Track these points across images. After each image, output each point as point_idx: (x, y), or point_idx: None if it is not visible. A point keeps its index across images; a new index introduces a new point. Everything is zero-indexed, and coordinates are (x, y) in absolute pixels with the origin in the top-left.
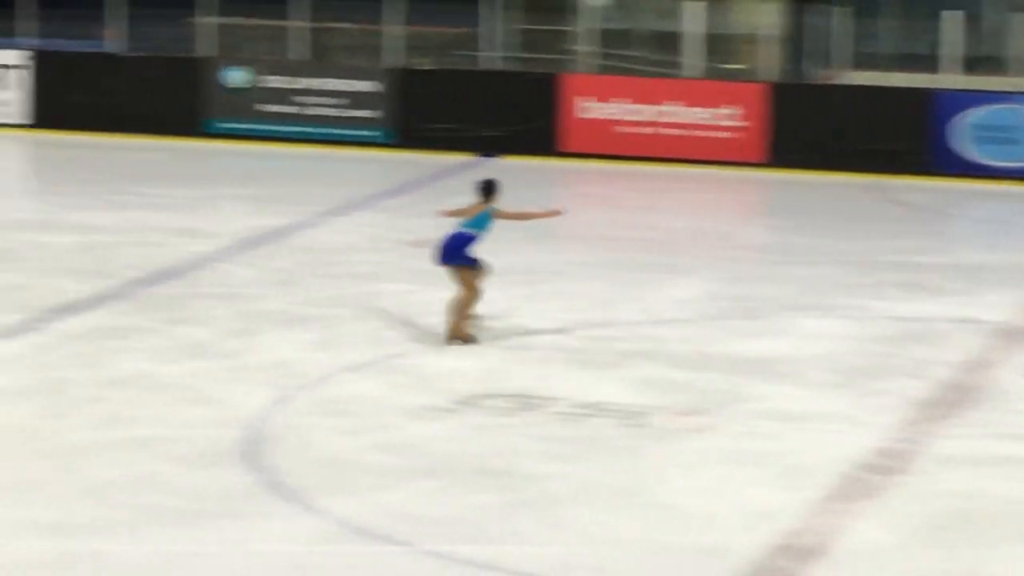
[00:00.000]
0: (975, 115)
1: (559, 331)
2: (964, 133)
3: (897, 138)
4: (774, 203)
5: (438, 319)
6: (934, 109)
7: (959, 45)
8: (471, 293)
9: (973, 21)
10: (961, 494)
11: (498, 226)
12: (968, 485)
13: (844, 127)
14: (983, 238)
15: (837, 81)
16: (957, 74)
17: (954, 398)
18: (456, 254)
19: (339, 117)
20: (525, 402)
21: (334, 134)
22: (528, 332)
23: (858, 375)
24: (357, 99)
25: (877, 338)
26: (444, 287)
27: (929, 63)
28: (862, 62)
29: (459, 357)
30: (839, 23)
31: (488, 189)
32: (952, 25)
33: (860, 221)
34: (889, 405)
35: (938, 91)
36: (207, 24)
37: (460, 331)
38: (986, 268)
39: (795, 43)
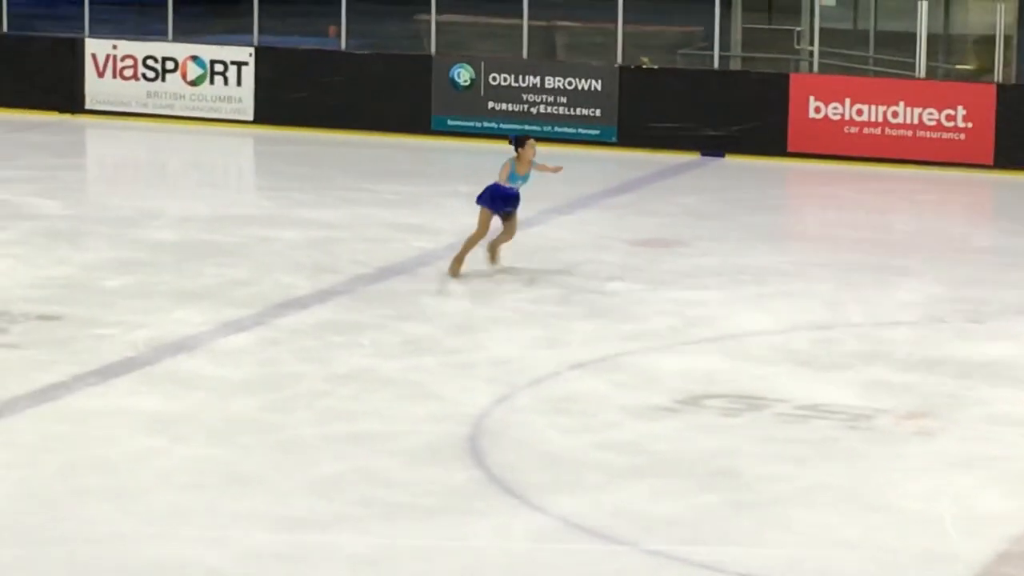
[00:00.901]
0: None
1: (784, 332)
2: None
3: None
4: (1001, 205)
5: (663, 319)
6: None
7: None
8: (480, 232)
9: None
10: None
11: (722, 225)
12: None
13: None
14: None
15: None
16: None
17: None
18: (481, 196)
19: (564, 115)
20: (749, 403)
21: (559, 132)
22: (752, 333)
23: None
24: (581, 97)
25: None
26: (670, 286)
27: None
28: None
29: (684, 356)
30: None
31: (512, 143)
32: None
33: None
34: None
35: None
36: (435, 21)
37: (457, 265)
38: None
39: None
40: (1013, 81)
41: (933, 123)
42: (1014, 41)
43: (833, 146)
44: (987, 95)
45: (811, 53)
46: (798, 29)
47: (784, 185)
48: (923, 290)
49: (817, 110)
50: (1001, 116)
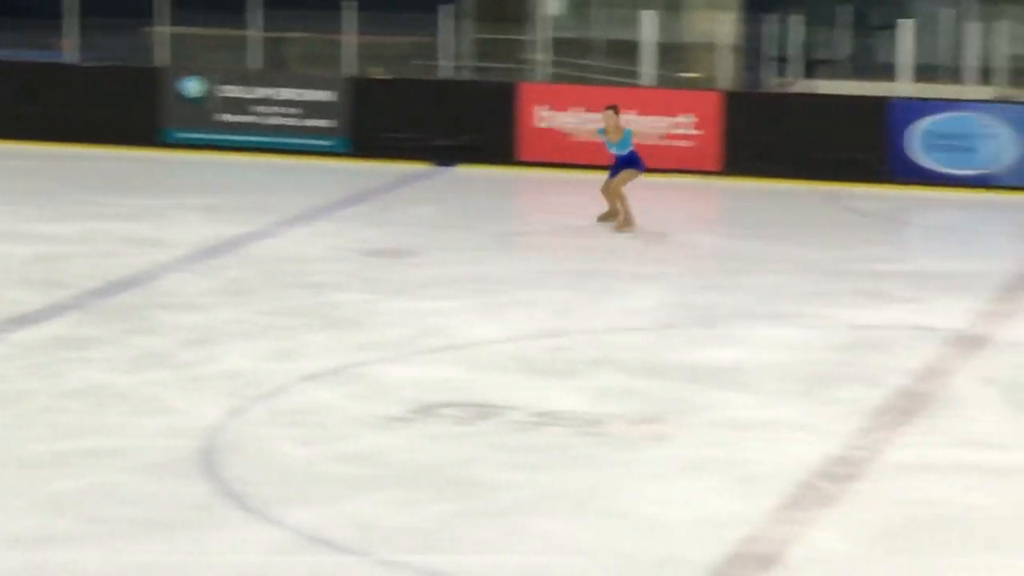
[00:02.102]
0: (929, 123)
1: (517, 340)
2: (918, 141)
3: (852, 146)
4: (730, 211)
5: (395, 329)
6: (889, 117)
7: (914, 53)
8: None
9: (927, 29)
10: (916, 502)
11: (454, 234)
12: (923, 493)
13: (799, 135)
14: (938, 246)
15: (792, 89)
16: (911, 82)
17: (910, 406)
18: None
19: (295, 127)
20: (483, 411)
21: (291, 143)
22: (485, 341)
23: (814, 383)
24: (313, 108)
25: (833, 346)
26: (403, 296)
27: (884, 71)
28: (816, 70)
29: (417, 366)
30: (794, 31)
31: None
32: (906, 33)
33: (816, 229)
34: (845, 413)
35: (893, 99)
36: (163, 34)
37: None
38: (941, 275)
39: (750, 51)
40: (738, 88)
41: (661, 131)
42: (739, 49)
43: (563, 154)
44: (713, 102)
45: (540, 62)
46: (527, 38)
47: (515, 194)
48: (653, 296)
49: (546, 119)
50: (728, 123)
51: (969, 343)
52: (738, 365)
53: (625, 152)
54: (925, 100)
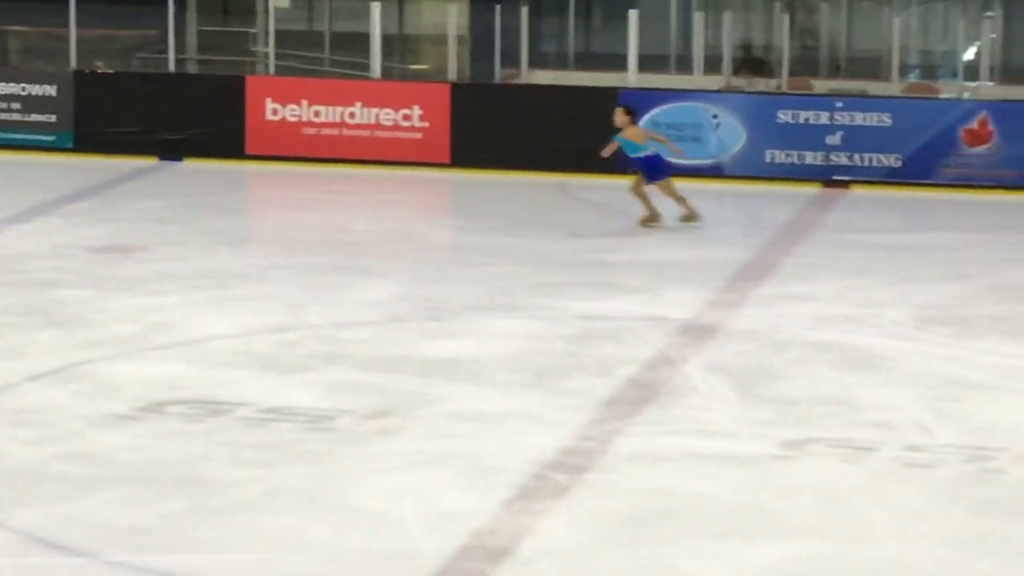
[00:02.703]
0: (660, 113)
1: (245, 335)
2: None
3: (580, 137)
4: (459, 204)
5: (123, 326)
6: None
7: (644, 44)
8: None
9: (657, 20)
10: (648, 491)
11: (181, 229)
12: (655, 482)
13: (528, 127)
14: (667, 236)
15: (519, 81)
16: (641, 73)
17: (640, 395)
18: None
19: (17, 122)
20: (210, 408)
21: (12, 139)
22: (212, 337)
23: (545, 374)
24: (35, 103)
25: (564, 337)
26: (130, 293)
27: (614, 62)
28: (545, 61)
29: (144, 363)
30: (522, 23)
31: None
32: (632, 24)
33: (545, 220)
34: (576, 404)
35: (623, 90)
36: None
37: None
38: (670, 265)
39: (478, 43)
40: (467, 80)
41: (390, 123)
42: (467, 40)
43: (292, 148)
44: (442, 94)
45: (267, 55)
46: (253, 31)
47: (243, 188)
48: (384, 290)
49: (274, 112)
50: (456, 115)
51: (699, 332)
52: (469, 357)
53: (634, 155)
54: (653, 90)
